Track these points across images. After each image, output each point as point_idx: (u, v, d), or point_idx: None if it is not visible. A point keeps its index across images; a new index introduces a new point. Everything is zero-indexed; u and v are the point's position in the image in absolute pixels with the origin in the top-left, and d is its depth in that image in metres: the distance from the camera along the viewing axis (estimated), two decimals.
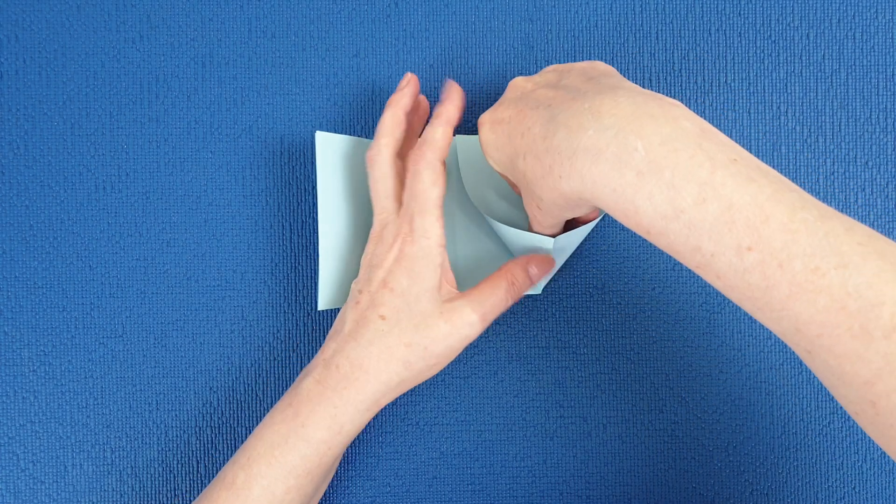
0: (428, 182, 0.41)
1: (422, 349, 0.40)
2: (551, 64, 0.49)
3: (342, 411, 0.40)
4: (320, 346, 0.49)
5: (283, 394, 0.49)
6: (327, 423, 0.40)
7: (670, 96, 0.49)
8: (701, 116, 0.49)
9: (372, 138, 0.49)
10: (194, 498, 0.49)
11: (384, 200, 0.43)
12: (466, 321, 0.41)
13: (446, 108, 0.42)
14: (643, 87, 0.49)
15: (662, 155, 0.31)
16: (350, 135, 0.49)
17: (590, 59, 0.49)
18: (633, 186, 0.31)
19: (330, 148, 0.46)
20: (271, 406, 0.49)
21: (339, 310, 0.49)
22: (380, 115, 0.49)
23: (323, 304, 0.46)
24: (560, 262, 0.48)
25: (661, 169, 0.31)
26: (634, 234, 0.49)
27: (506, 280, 0.42)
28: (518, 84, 0.41)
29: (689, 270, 0.49)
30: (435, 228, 0.41)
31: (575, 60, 0.49)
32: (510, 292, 0.42)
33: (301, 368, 0.49)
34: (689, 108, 0.49)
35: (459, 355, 0.49)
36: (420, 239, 0.40)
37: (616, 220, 0.48)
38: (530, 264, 0.44)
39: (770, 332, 0.48)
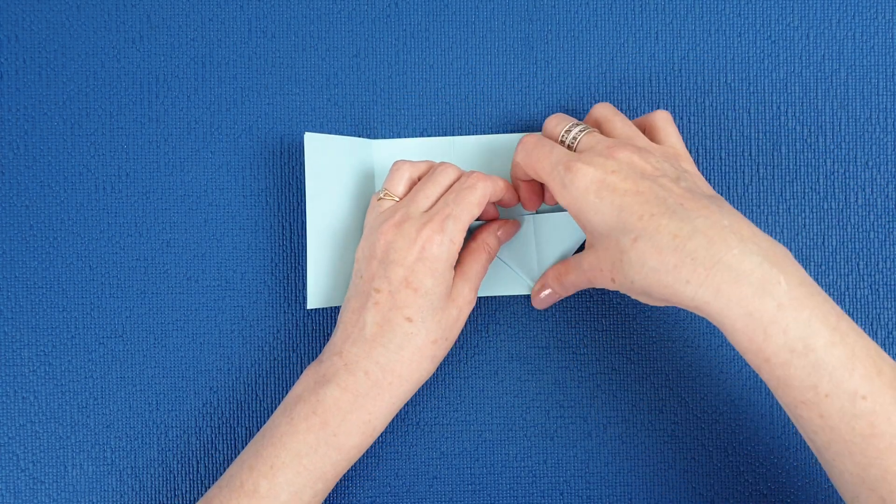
0: (478, 197, 0.42)
1: (444, 340, 0.42)
2: (551, 65, 0.49)
3: (376, 416, 0.41)
4: (320, 345, 0.49)
5: (283, 393, 0.49)
6: (361, 429, 0.40)
7: (670, 96, 0.49)
8: (701, 118, 0.49)
9: (367, 138, 0.49)
10: (195, 498, 0.49)
11: (425, 200, 0.42)
12: (468, 299, 0.43)
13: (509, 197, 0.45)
14: (642, 87, 0.49)
15: (803, 294, 0.33)
16: (349, 135, 0.49)
17: (589, 58, 0.49)
18: (771, 315, 0.33)
19: (320, 148, 0.46)
20: (271, 406, 0.49)
21: (330, 309, 0.49)
22: (379, 115, 0.50)
23: (312, 303, 0.46)
24: (566, 255, 0.48)
25: (801, 307, 0.33)
26: None
27: (484, 251, 0.44)
28: (634, 160, 0.38)
29: None
30: (460, 237, 0.41)
31: (575, 60, 0.49)
32: (489, 260, 0.45)
33: (301, 368, 0.49)
34: (690, 108, 0.49)
35: (459, 355, 0.49)
36: (447, 242, 0.41)
37: None
38: (499, 230, 0.46)
39: None
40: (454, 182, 0.43)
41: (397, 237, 0.41)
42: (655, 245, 0.35)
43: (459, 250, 0.42)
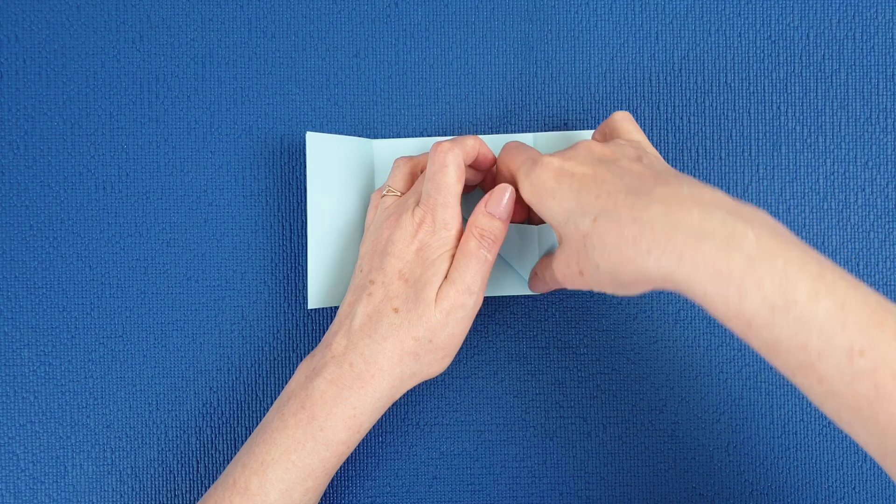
0: (453, 177, 0.41)
1: (427, 342, 0.40)
2: (551, 65, 0.49)
3: (360, 411, 0.40)
4: None
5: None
6: (346, 423, 0.40)
7: (670, 96, 0.49)
8: (701, 118, 0.49)
9: (366, 137, 0.49)
10: (195, 498, 0.49)
11: (409, 200, 0.42)
12: (456, 304, 0.40)
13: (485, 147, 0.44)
14: (642, 87, 0.49)
15: (775, 245, 0.30)
16: (349, 135, 0.49)
17: (589, 58, 0.49)
18: (742, 271, 0.29)
19: (321, 148, 0.46)
20: (271, 406, 0.49)
21: (330, 309, 0.49)
22: (379, 115, 0.50)
23: (313, 303, 0.46)
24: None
25: (773, 257, 0.29)
26: None
27: (473, 238, 0.41)
28: (593, 147, 0.38)
29: None
30: (456, 221, 0.41)
31: (575, 60, 0.49)
32: (482, 247, 0.41)
33: None
34: (690, 108, 0.49)
35: (460, 355, 0.49)
36: (441, 230, 0.40)
37: None
38: (489, 204, 0.41)
39: None
40: None
41: (396, 230, 0.41)
42: (614, 221, 0.33)
43: (459, 235, 0.41)
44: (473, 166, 0.44)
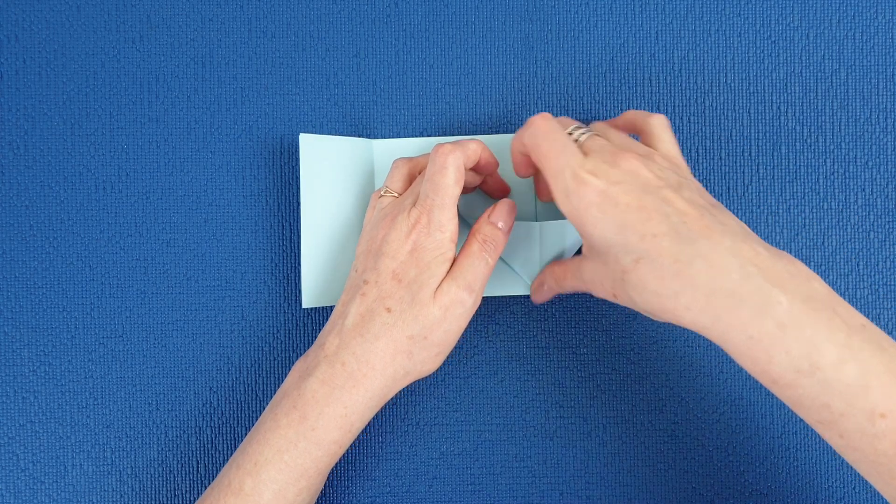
0: (452, 179, 0.40)
1: (422, 339, 0.40)
2: (551, 65, 0.49)
3: (352, 410, 0.40)
4: None
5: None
6: (338, 423, 0.40)
7: (670, 96, 0.49)
8: (701, 118, 0.49)
9: (367, 138, 0.49)
10: (195, 498, 0.49)
11: (405, 201, 0.42)
12: (455, 300, 0.40)
13: (488, 154, 0.44)
14: (642, 87, 0.49)
15: (804, 312, 0.32)
16: (349, 135, 0.49)
17: (589, 58, 0.49)
18: (772, 337, 0.32)
19: (315, 149, 0.46)
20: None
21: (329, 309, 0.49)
22: (379, 115, 0.50)
23: (307, 302, 0.46)
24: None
25: (802, 325, 0.32)
26: None
27: (476, 242, 0.42)
28: (638, 170, 0.37)
29: None
30: (451, 224, 0.40)
31: (575, 60, 0.49)
32: (485, 251, 0.41)
33: None
34: (690, 108, 0.49)
35: (459, 355, 0.49)
36: (435, 232, 0.40)
37: None
38: (493, 216, 0.42)
39: None
40: None
41: (391, 231, 0.41)
42: (657, 268, 0.34)
43: (455, 238, 0.41)
44: (475, 170, 0.44)
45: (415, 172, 0.45)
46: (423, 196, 0.41)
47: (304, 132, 0.49)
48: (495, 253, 0.42)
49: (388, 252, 0.40)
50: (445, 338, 0.41)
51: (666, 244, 0.34)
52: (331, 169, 0.47)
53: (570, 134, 0.40)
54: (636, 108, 0.49)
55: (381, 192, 0.44)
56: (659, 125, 0.41)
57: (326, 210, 0.47)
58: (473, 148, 0.42)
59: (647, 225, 0.35)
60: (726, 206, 0.48)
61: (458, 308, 0.40)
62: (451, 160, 0.40)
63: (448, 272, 0.41)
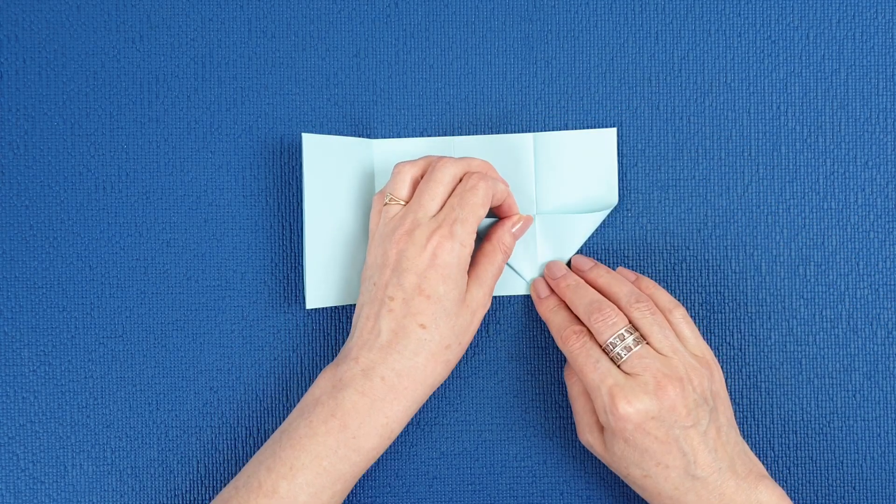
0: (480, 200, 0.42)
1: (457, 345, 0.43)
2: (551, 65, 0.49)
3: (393, 419, 0.41)
4: (320, 345, 0.49)
5: (283, 394, 0.49)
6: (379, 431, 0.41)
7: (670, 96, 0.49)
8: (701, 118, 0.49)
9: (366, 137, 0.49)
10: (195, 498, 0.49)
11: (431, 202, 0.43)
12: (481, 303, 0.44)
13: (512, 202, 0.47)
14: (642, 87, 0.49)
15: None
16: (349, 135, 0.49)
17: (589, 58, 0.49)
18: None
19: (318, 149, 0.46)
20: (271, 406, 0.49)
21: (330, 309, 0.49)
22: (379, 115, 0.50)
23: (311, 303, 0.46)
24: (564, 260, 0.48)
25: None
26: (633, 235, 0.49)
27: (500, 251, 0.45)
28: (675, 405, 0.40)
29: (688, 270, 0.49)
30: (471, 239, 0.43)
31: (575, 60, 0.49)
32: (505, 259, 0.45)
33: (301, 368, 0.49)
34: (689, 108, 0.49)
35: None
36: (458, 247, 0.42)
37: (613, 224, 0.48)
38: (514, 226, 0.46)
39: (770, 331, 0.48)
40: (456, 178, 0.44)
41: (409, 245, 0.42)
42: (657, 491, 0.42)
43: (471, 253, 0.43)
44: (492, 207, 0.45)
45: (418, 177, 0.45)
46: (449, 208, 0.42)
47: (305, 132, 0.49)
48: (506, 260, 0.46)
49: (410, 268, 0.41)
50: (471, 338, 0.44)
51: (674, 476, 0.41)
52: (333, 169, 0.47)
53: (618, 342, 0.42)
54: (636, 108, 0.49)
55: (386, 200, 0.44)
56: (679, 320, 0.44)
57: (329, 211, 0.47)
58: (502, 189, 0.45)
59: (666, 457, 0.41)
60: (726, 206, 0.49)
61: (482, 310, 0.44)
62: (483, 185, 0.43)
63: (471, 275, 0.44)
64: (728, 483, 0.41)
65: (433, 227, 0.42)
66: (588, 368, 0.42)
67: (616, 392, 0.40)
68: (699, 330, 0.45)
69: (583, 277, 0.46)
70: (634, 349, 0.42)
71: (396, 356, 0.41)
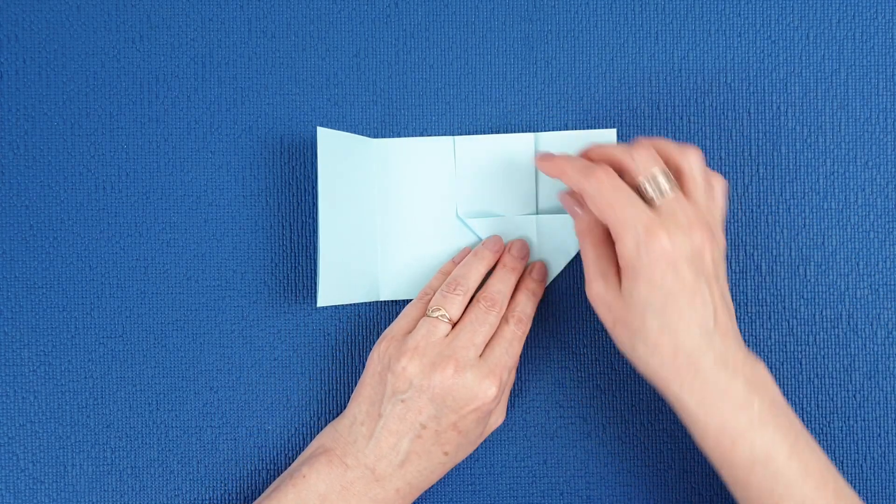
0: (521, 344, 0.45)
1: (462, 458, 0.45)
2: (551, 65, 0.49)
3: None
4: (320, 346, 0.49)
5: (283, 394, 0.49)
6: None
7: (670, 96, 0.49)
8: (701, 118, 0.49)
9: (373, 138, 0.49)
10: (195, 498, 0.49)
11: (481, 340, 0.44)
12: (496, 427, 0.46)
13: (536, 286, 0.47)
14: (642, 87, 0.49)
15: (771, 414, 0.39)
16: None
17: (589, 58, 0.49)
18: (742, 430, 0.39)
19: (332, 144, 0.46)
20: (271, 406, 0.49)
21: (331, 308, 0.49)
22: (379, 115, 0.49)
23: (323, 300, 0.45)
24: (564, 260, 0.48)
25: (767, 425, 0.39)
26: None
27: (510, 384, 0.46)
28: (703, 250, 0.39)
29: None
30: (513, 380, 0.46)
31: (575, 60, 0.49)
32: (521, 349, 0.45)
33: (301, 368, 0.49)
34: (689, 108, 0.49)
35: None
36: (501, 394, 0.44)
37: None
38: (527, 304, 0.46)
39: (770, 331, 0.48)
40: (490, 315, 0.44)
41: (457, 386, 0.42)
42: (675, 346, 0.39)
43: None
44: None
45: (472, 292, 0.45)
46: (501, 352, 0.43)
47: (318, 127, 0.48)
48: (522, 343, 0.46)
49: (453, 407, 0.42)
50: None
51: (695, 329, 0.39)
52: (347, 165, 0.47)
53: (652, 180, 0.40)
54: (636, 108, 0.49)
55: (432, 313, 0.44)
56: (696, 165, 0.41)
57: (343, 208, 0.46)
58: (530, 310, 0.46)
59: (692, 304, 0.39)
60: (726, 206, 0.49)
61: (492, 431, 0.46)
62: (524, 331, 0.45)
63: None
64: (737, 352, 0.40)
65: (484, 373, 0.42)
66: (620, 203, 0.39)
67: (654, 226, 0.38)
68: None
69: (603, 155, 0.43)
70: (669, 194, 0.40)
71: (415, 473, 0.43)
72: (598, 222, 0.42)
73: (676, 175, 0.41)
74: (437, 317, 0.43)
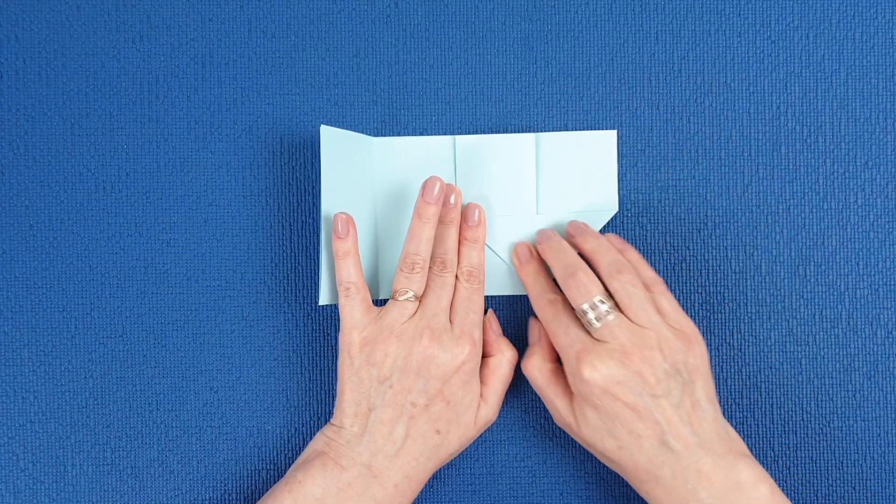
0: (482, 296, 0.46)
1: (456, 455, 0.46)
2: (551, 65, 0.49)
3: None
4: (320, 346, 0.49)
5: (283, 395, 0.49)
6: None
7: (670, 96, 0.49)
8: (701, 118, 0.49)
9: (373, 136, 0.49)
10: (195, 498, 0.49)
11: (446, 304, 0.44)
12: (489, 421, 0.46)
13: (480, 233, 0.47)
14: (642, 87, 0.49)
15: None
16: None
17: (589, 58, 0.49)
18: None
19: (334, 142, 0.46)
20: (271, 406, 0.49)
21: (332, 308, 0.49)
22: (380, 115, 0.49)
23: (324, 299, 0.45)
24: None
25: None
26: (633, 235, 0.49)
27: (509, 364, 0.46)
28: (642, 371, 0.40)
29: (688, 270, 0.49)
30: (481, 337, 0.45)
31: (575, 60, 0.49)
32: (511, 367, 0.46)
33: (301, 368, 0.49)
34: (689, 108, 0.49)
35: None
36: (477, 349, 0.44)
37: (614, 224, 0.48)
38: (495, 325, 0.48)
39: (770, 331, 0.48)
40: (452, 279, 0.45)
41: (437, 351, 0.42)
42: (633, 463, 0.41)
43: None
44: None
45: (428, 260, 0.45)
46: (464, 313, 0.44)
47: (321, 125, 0.48)
48: (513, 364, 0.47)
49: (438, 375, 0.42)
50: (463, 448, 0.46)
51: (647, 446, 0.40)
52: (349, 164, 0.47)
53: (589, 310, 0.42)
54: (636, 108, 0.49)
55: (400, 297, 0.44)
56: (661, 295, 0.43)
57: (345, 206, 0.46)
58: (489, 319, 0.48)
59: (639, 425, 0.40)
60: (726, 206, 0.49)
61: (486, 426, 0.46)
62: (481, 285, 0.46)
63: (481, 395, 0.45)
64: (705, 459, 0.39)
65: (457, 335, 0.43)
66: (559, 333, 0.42)
67: (582, 356, 0.40)
68: (699, 329, 0.44)
69: (570, 242, 0.45)
70: (607, 318, 0.41)
71: (412, 462, 0.42)
72: (547, 358, 0.45)
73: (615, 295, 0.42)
74: (404, 300, 0.44)
